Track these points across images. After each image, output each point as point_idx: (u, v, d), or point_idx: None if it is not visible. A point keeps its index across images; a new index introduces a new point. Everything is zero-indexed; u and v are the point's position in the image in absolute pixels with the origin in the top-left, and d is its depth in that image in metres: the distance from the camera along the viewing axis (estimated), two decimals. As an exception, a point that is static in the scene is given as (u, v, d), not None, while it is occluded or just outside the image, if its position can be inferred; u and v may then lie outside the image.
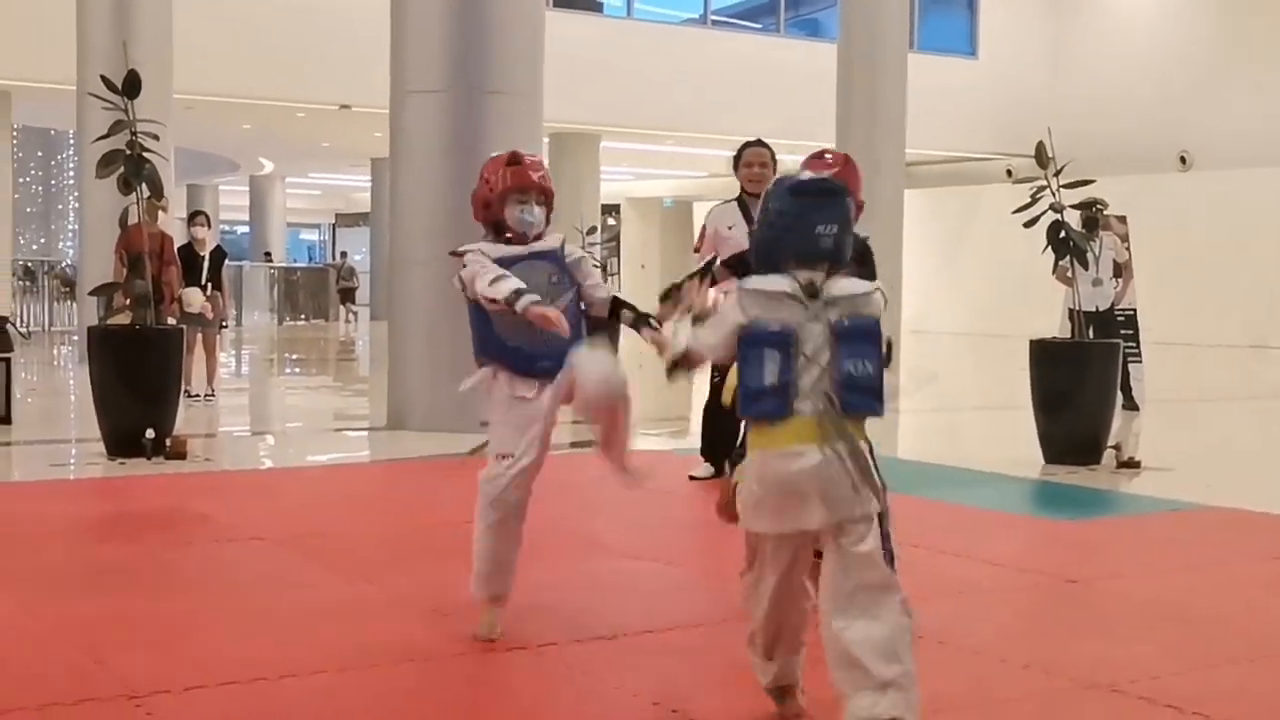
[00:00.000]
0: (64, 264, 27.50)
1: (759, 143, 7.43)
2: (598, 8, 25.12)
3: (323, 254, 54.80)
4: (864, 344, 3.22)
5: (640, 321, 4.12)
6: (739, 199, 7.34)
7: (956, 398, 13.70)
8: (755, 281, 3.30)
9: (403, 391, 9.88)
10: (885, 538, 3.28)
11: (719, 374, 6.82)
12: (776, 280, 3.27)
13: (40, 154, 37.71)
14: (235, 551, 5.66)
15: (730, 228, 7.09)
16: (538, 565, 5.53)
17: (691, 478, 7.57)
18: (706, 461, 7.66)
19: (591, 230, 15.83)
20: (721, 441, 7.28)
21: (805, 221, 3.27)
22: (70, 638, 4.21)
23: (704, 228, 7.47)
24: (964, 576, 5.51)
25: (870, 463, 3.24)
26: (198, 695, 3.73)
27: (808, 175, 3.52)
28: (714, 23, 25.54)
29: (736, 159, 7.39)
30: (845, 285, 3.28)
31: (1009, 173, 25.92)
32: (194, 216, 12.41)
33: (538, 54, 10.00)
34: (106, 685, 3.76)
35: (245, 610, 4.67)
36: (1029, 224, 8.55)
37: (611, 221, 33.66)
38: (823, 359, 3.20)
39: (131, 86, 8.27)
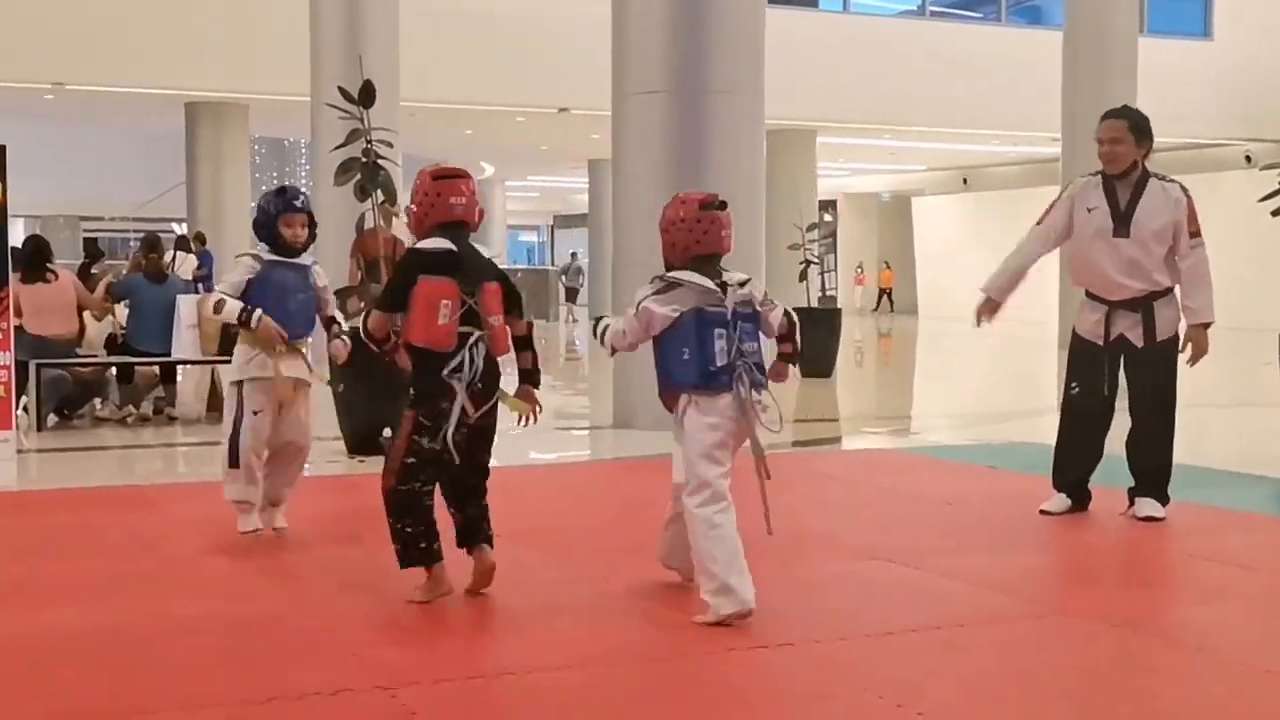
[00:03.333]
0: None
1: (1118, 112, 6.36)
2: (813, 3, 24.94)
3: (541, 255, 55.79)
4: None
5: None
6: (1102, 173, 6.27)
7: (1199, 394, 13.17)
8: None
9: (629, 390, 9.96)
10: None
11: (1077, 384, 6.28)
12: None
13: (275, 163, 39.36)
14: (474, 548, 5.78)
15: (1091, 210, 6.19)
16: (774, 563, 5.50)
17: (1043, 512, 6.38)
18: (1060, 492, 6.46)
19: (812, 227, 15.67)
20: (1081, 469, 6.39)
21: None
22: (329, 632, 4.36)
23: (1058, 198, 6.44)
24: (1219, 581, 5.28)
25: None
26: (446, 688, 3.82)
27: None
28: (932, 14, 25.11)
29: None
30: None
31: (1248, 158, 24.81)
32: (423, 221, 12.70)
33: (758, 52, 9.96)
34: (362, 677, 3.87)
35: (489, 606, 4.76)
36: (1278, 212, 8.16)
37: (828, 218, 33.39)
38: None
39: (367, 96, 8.52)
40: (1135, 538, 6.06)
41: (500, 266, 4.82)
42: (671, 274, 4.51)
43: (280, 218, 5.68)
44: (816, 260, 16.02)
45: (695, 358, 4.42)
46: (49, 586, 5.00)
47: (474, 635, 4.45)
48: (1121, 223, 6.15)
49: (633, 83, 9.90)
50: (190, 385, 12.20)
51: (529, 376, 4.90)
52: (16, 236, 9.17)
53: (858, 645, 4.26)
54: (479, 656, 4.12)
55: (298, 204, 5.73)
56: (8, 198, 8.33)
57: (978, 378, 17.39)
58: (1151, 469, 6.33)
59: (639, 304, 4.52)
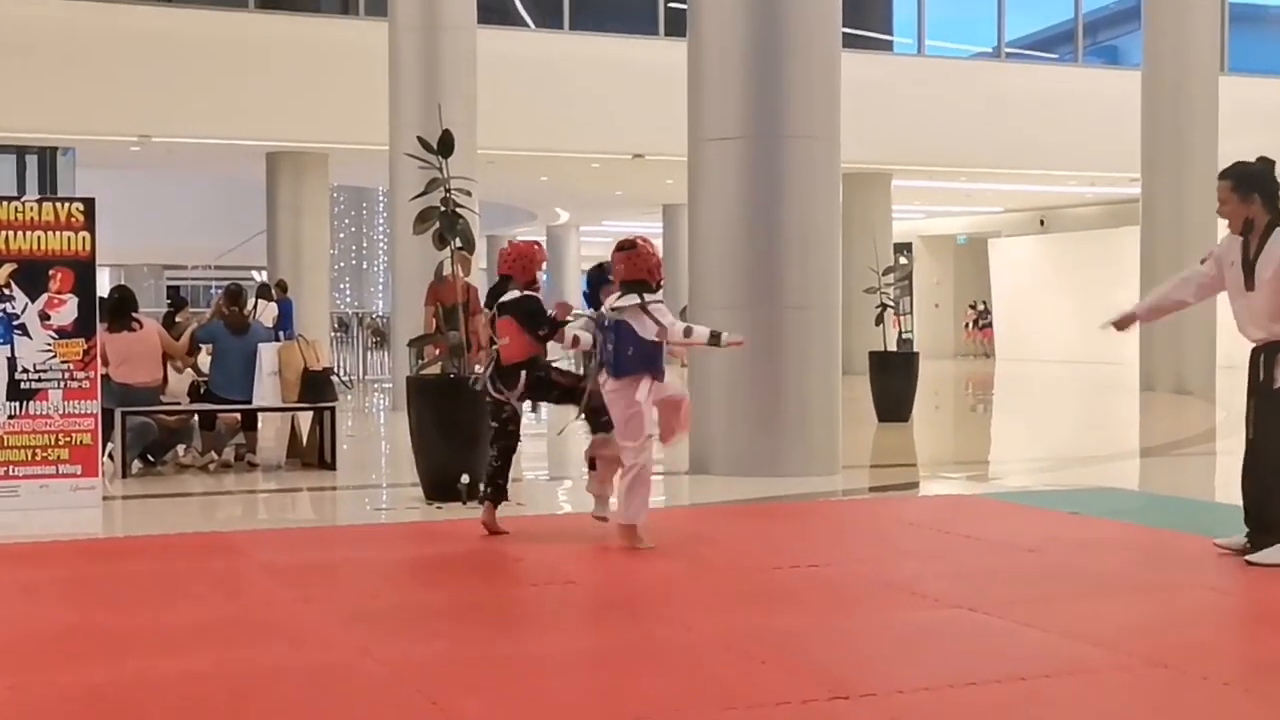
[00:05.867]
0: (375, 314, 28.90)
1: (1223, 171, 6.28)
2: (888, 46, 24.94)
3: (615, 300, 55.84)
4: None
5: None
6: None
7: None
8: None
9: (705, 436, 9.94)
10: None
11: None
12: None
13: (353, 211, 39.91)
14: (553, 595, 5.79)
15: (1231, 264, 6.19)
16: (855, 612, 5.45)
17: (1218, 546, 6.34)
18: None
19: (888, 271, 15.59)
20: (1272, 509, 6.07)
21: None
22: (407, 679, 4.37)
23: (1213, 250, 6.47)
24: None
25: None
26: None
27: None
28: (1008, 55, 25.00)
29: None
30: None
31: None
32: (502, 268, 12.78)
33: (834, 96, 9.95)
34: (443, 726, 3.88)
35: (569, 655, 4.75)
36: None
37: (903, 260, 33.22)
38: None
39: (446, 146, 8.61)
40: (1239, 585, 5.93)
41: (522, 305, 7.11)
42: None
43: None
44: (893, 304, 15.94)
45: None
46: (137, 634, 5.05)
47: (557, 684, 4.44)
48: (1249, 275, 6.14)
49: (709, 129, 9.93)
50: (270, 432, 12.33)
51: None
52: (102, 286, 9.41)
53: (940, 696, 4.20)
54: (563, 708, 4.11)
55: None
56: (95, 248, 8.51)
57: (1056, 422, 17.18)
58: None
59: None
